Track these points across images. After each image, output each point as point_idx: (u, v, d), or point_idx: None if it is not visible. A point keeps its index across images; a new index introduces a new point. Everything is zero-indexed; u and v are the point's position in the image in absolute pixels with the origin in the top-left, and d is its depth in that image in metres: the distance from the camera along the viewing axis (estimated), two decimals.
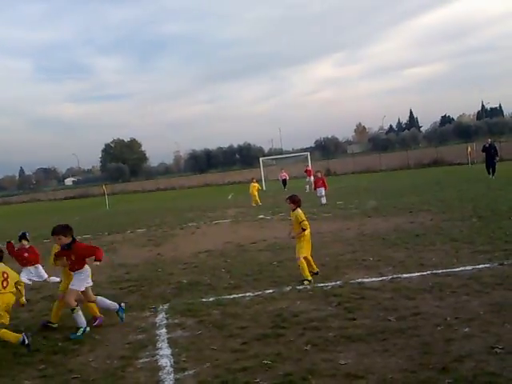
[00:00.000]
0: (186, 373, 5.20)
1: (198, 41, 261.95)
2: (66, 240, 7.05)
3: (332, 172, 54.42)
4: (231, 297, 8.01)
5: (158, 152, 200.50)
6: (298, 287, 8.10)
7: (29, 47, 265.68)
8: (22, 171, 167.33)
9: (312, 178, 28.55)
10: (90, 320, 7.20)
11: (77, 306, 6.85)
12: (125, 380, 5.16)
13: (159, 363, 5.52)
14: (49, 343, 6.55)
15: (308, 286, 8.09)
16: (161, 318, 7.28)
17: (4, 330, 6.28)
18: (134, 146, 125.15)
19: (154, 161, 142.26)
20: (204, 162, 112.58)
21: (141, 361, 5.66)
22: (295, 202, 8.75)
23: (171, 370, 5.31)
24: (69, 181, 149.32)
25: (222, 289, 8.59)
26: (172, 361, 5.54)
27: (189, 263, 11.23)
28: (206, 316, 7.10)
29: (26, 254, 9.69)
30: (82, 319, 6.84)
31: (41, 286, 10.09)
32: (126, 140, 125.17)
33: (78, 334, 6.71)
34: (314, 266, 8.78)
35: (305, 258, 8.51)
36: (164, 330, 6.67)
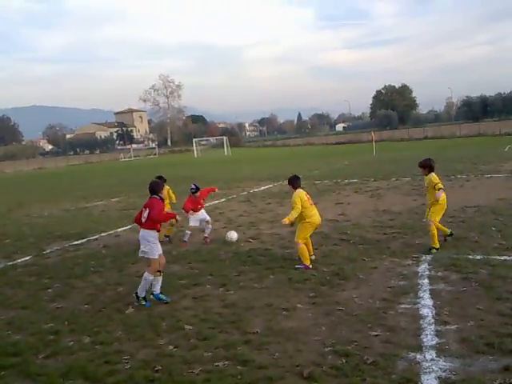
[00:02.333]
0: (447, 326, 5.19)
1: None
2: None
3: None
4: (502, 258, 7.41)
5: (428, 99, 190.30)
6: None
7: None
8: (299, 116, 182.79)
9: None
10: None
11: None
12: (386, 321, 5.47)
13: (420, 312, 5.64)
14: (318, 275, 7.35)
15: None
16: (423, 268, 7.30)
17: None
18: (405, 92, 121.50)
19: (423, 108, 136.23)
20: (479, 109, 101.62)
21: (402, 306, 5.87)
22: (425, 166, 8.34)
23: (432, 320, 5.37)
24: (340, 126, 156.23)
25: (491, 248, 8.00)
26: (434, 312, 5.59)
27: (455, 217, 10.72)
28: (472, 274, 6.79)
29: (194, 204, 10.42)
30: None
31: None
32: (396, 86, 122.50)
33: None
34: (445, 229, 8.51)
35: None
36: (426, 281, 6.70)
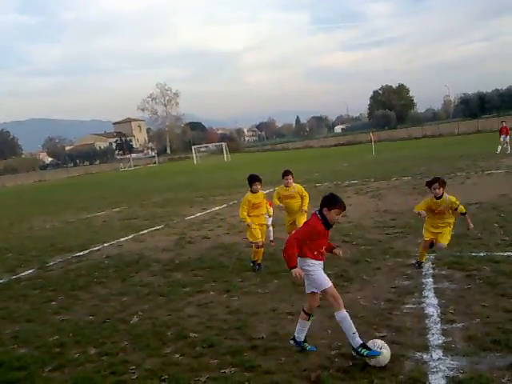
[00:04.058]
0: (453, 325, 5.17)
1: None
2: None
3: None
4: (505, 254, 7.40)
5: (425, 97, 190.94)
6: None
7: None
8: (298, 119, 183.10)
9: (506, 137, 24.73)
10: None
11: None
12: (391, 322, 5.46)
13: (426, 311, 5.62)
14: None
15: None
16: (427, 267, 7.29)
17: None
18: (402, 91, 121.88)
19: (421, 106, 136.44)
20: (476, 106, 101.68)
21: (407, 306, 5.86)
22: (440, 182, 6.84)
23: (438, 319, 5.35)
24: (338, 128, 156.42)
25: (494, 245, 7.99)
26: (439, 311, 5.57)
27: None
28: (476, 271, 6.78)
29: None
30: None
31: None
32: (393, 86, 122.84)
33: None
34: None
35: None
36: (430, 280, 6.68)
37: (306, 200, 8.55)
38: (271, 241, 10.01)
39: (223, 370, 4.74)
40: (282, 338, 5.33)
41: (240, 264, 8.68)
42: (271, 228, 10.12)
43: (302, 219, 8.06)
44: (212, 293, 7.22)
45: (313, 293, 5.03)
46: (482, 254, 7.52)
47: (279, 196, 8.75)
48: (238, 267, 8.49)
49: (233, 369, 4.75)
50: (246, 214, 8.15)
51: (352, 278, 7.16)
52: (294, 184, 8.65)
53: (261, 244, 8.13)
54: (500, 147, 24.11)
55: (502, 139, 24.80)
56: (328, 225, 4.88)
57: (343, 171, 25.80)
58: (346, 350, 4.84)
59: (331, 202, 4.86)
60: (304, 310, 5.14)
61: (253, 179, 8.18)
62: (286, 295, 6.76)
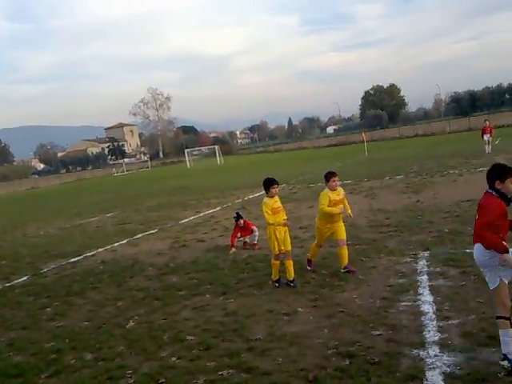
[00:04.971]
0: (449, 321, 5.20)
1: None
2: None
3: None
4: None
5: (416, 97, 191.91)
6: None
7: (296, 1, 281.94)
8: (290, 121, 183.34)
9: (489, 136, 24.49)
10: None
11: None
12: (387, 320, 5.47)
13: (421, 308, 5.64)
14: (317, 277, 7.35)
15: None
16: (421, 264, 7.31)
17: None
18: (393, 91, 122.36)
19: (412, 106, 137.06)
20: (467, 104, 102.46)
21: (402, 304, 5.88)
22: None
23: (434, 316, 5.37)
24: (330, 129, 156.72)
25: None
26: (434, 308, 5.59)
27: (450, 212, 10.77)
28: (471, 267, 6.79)
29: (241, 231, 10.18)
30: None
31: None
32: (385, 86, 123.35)
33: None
34: None
35: None
36: (425, 277, 6.71)
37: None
38: (254, 244, 10.01)
39: (220, 372, 4.73)
40: (279, 339, 5.32)
41: (235, 266, 8.67)
42: (257, 233, 10.13)
43: (343, 229, 7.58)
44: (208, 295, 7.21)
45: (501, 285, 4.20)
46: None
47: (329, 202, 7.45)
48: (233, 269, 8.48)
49: (230, 370, 4.74)
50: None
51: (347, 277, 7.17)
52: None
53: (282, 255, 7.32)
54: (489, 146, 24.19)
55: (485, 138, 24.68)
56: (507, 199, 4.21)
57: (336, 171, 25.79)
58: (343, 349, 4.84)
59: (501, 172, 4.22)
60: (501, 316, 4.21)
61: (272, 182, 7.28)
62: (282, 296, 6.76)
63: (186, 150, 76.20)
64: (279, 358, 4.88)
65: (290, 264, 7.22)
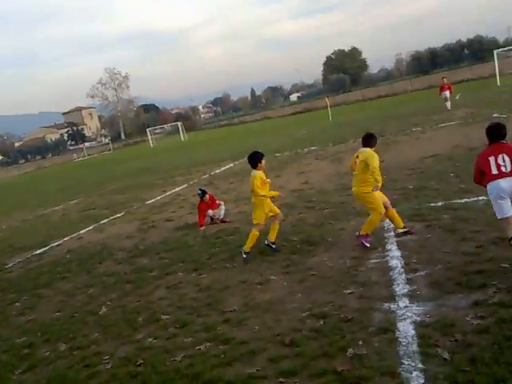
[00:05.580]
0: (417, 273, 5.31)
1: None
2: None
3: None
4: (462, 201, 7.61)
5: (378, 57, 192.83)
6: None
7: None
8: (253, 91, 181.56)
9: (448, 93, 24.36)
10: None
11: None
12: (358, 278, 5.55)
13: (390, 264, 5.75)
14: (288, 244, 7.37)
15: None
16: (388, 221, 7.40)
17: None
18: (355, 54, 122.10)
19: (374, 67, 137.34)
20: (428, 62, 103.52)
21: (372, 261, 5.98)
22: None
23: (402, 270, 5.49)
24: (294, 96, 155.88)
25: (451, 193, 8.21)
26: (403, 262, 5.71)
27: (414, 169, 10.94)
28: (436, 220, 6.96)
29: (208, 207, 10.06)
30: None
31: None
32: (346, 50, 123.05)
33: None
34: None
35: None
36: (392, 234, 6.82)
37: None
38: (223, 219, 9.93)
39: (198, 347, 4.72)
40: (254, 308, 5.34)
41: (206, 242, 8.62)
42: (223, 206, 10.08)
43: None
44: (180, 273, 7.16)
45: None
46: (440, 204, 7.72)
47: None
48: (204, 245, 8.43)
49: (208, 344, 4.74)
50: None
51: (317, 241, 7.22)
52: None
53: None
54: (449, 103, 24.37)
55: (444, 96, 24.70)
56: None
57: (302, 139, 25.90)
58: (316, 311, 4.90)
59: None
60: None
61: (262, 156, 7.09)
62: (254, 266, 6.77)
63: (147, 129, 74.73)
64: (255, 326, 4.90)
65: (277, 227, 7.21)
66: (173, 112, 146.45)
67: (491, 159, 5.16)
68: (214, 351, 4.58)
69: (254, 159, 7.10)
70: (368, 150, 6.52)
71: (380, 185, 6.32)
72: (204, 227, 9.67)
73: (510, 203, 5.12)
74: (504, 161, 5.09)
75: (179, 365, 4.48)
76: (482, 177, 5.32)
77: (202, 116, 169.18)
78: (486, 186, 5.29)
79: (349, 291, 5.22)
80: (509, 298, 4.31)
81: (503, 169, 5.08)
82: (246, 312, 5.29)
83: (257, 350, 4.41)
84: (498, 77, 37.44)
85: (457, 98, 30.86)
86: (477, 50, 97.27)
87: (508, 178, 5.04)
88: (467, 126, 16.64)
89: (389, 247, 6.32)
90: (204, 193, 10.01)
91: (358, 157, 6.55)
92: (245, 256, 7.13)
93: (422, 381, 3.45)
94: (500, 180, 5.08)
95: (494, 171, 5.13)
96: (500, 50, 45.83)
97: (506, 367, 3.34)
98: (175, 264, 7.66)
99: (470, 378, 3.34)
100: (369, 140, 6.65)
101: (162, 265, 7.78)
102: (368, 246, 6.44)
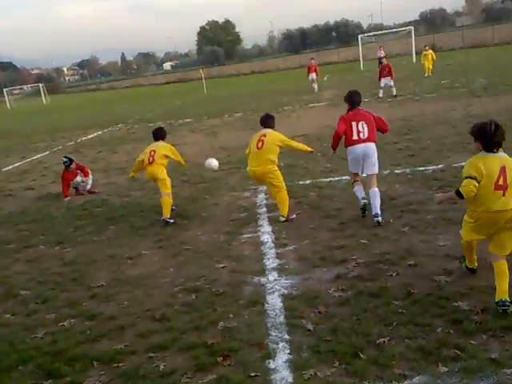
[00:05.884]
0: (286, 248, 5.58)
1: None
2: None
3: (438, 47, 49.57)
4: (327, 180, 8.13)
5: (251, 33, 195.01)
6: (396, 171, 7.99)
7: None
8: (123, 56, 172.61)
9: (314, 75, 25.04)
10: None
11: None
12: (231, 252, 5.66)
13: (261, 239, 5.95)
14: (161, 218, 7.22)
15: (407, 170, 7.95)
16: (261, 198, 7.67)
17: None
18: (229, 27, 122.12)
19: (248, 43, 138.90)
20: (299, 41, 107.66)
21: (244, 236, 6.13)
22: None
23: (272, 245, 5.72)
24: (167, 65, 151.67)
25: (318, 172, 8.72)
26: (273, 237, 5.94)
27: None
28: (303, 198, 7.35)
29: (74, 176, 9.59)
30: None
31: None
32: (220, 22, 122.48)
33: None
34: None
35: None
36: (264, 210, 7.06)
37: None
38: (90, 189, 9.44)
39: (62, 323, 4.45)
40: (124, 283, 5.17)
41: (71, 214, 8.10)
42: (91, 176, 9.60)
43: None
44: (42, 247, 6.65)
45: None
46: (308, 182, 8.16)
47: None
48: (68, 217, 7.91)
49: (72, 320, 4.49)
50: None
51: (191, 215, 7.20)
52: None
53: None
54: (316, 85, 25.37)
55: (310, 78, 25.37)
56: None
57: (176, 110, 25.42)
58: (189, 285, 4.90)
59: None
60: None
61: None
62: (124, 240, 6.54)
63: (4, 89, 67.29)
64: (124, 301, 4.76)
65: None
66: (33, 72, 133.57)
67: (353, 124, 5.90)
68: (79, 327, 4.36)
69: (272, 120, 6.77)
70: (271, 131, 6.58)
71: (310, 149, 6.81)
72: (69, 198, 9.07)
73: (361, 162, 5.97)
74: (363, 127, 5.88)
75: (40, 342, 4.19)
76: (342, 137, 6.05)
77: (68, 78, 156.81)
78: (338, 146, 6.16)
79: (221, 265, 5.30)
80: (367, 271, 4.73)
81: (361, 135, 5.88)
82: (114, 287, 5.10)
83: (126, 326, 4.29)
84: (361, 61, 40.29)
85: (325, 79, 32.71)
86: (343, 34, 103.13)
87: (363, 143, 5.88)
88: (334, 107, 17.64)
89: (261, 223, 6.53)
90: (71, 161, 9.35)
91: (265, 136, 6.47)
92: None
93: (288, 351, 3.63)
94: (357, 146, 5.90)
95: (355, 136, 5.90)
96: (364, 35, 49.11)
97: (363, 337, 3.65)
98: (36, 236, 7.09)
99: (331, 347, 3.59)
100: (268, 121, 6.73)
101: (21, 237, 7.15)
102: (294, 216, 6.48)
